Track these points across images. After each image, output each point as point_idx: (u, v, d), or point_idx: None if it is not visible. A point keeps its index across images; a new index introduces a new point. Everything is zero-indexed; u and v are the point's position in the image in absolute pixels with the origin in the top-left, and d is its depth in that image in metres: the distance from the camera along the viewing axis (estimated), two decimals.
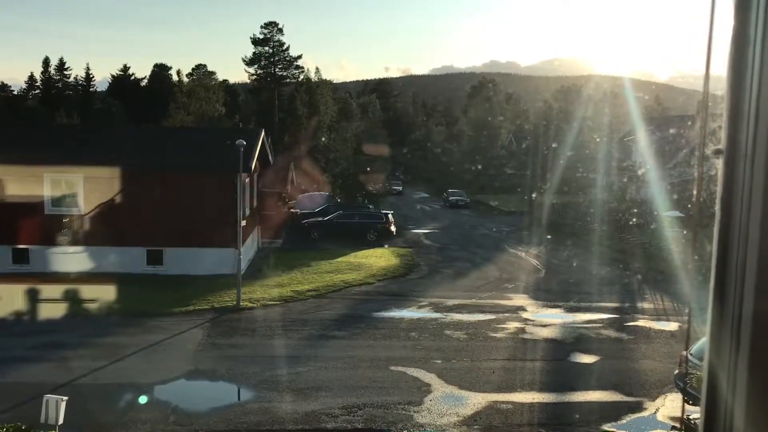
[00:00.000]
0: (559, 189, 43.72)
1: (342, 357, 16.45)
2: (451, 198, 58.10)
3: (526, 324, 20.07)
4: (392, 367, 15.69)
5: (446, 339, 18.21)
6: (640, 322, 20.77)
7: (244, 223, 23.51)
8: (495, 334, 18.81)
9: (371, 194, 44.57)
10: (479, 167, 61.24)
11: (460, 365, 16.06)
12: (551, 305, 22.70)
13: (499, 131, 65.48)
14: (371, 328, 19.03)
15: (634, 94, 50.64)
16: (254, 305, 21.20)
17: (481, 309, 21.73)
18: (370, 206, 42.16)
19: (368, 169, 45.34)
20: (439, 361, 16.24)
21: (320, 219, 37.10)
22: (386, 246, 34.69)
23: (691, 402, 12.54)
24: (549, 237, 35.48)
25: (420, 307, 21.88)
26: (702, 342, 13.41)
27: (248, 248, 28.29)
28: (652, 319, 21.09)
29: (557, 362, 16.84)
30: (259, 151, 27.65)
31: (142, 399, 13.36)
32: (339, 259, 29.73)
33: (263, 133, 29.36)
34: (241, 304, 21.02)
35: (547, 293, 24.80)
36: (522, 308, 22.11)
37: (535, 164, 51.74)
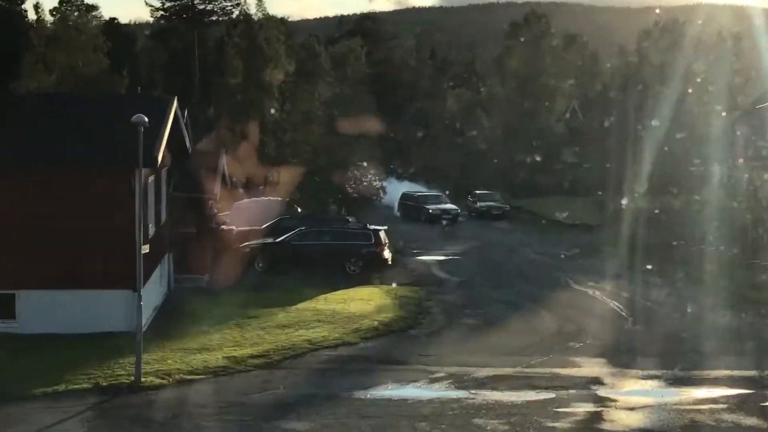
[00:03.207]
0: (655, 190, 43.81)
1: None
2: (479, 204, 58.25)
3: (605, 406, 19.93)
4: None
5: None
6: None
7: (146, 249, 23.31)
8: (555, 424, 18.65)
9: (352, 199, 44.51)
10: (524, 156, 61.37)
11: None
12: (644, 376, 22.57)
13: (554, 97, 65.67)
14: (353, 417, 18.83)
15: None
16: (164, 381, 21.00)
17: (530, 383, 21.58)
18: (350, 218, 42.13)
19: (347, 158, 45.31)
20: None
21: (271, 241, 37.04)
22: (377, 282, 34.57)
23: None
24: (640, 265, 35.49)
25: (433, 380, 21.71)
26: None
27: (153, 289, 28.18)
28: None
29: None
30: (171, 132, 27.55)
31: None
32: (301, 305, 29.60)
33: (176, 104, 29.25)
34: (143, 380, 20.80)
35: (638, 356, 24.65)
36: (597, 381, 21.97)
37: (617, 150, 51.84)
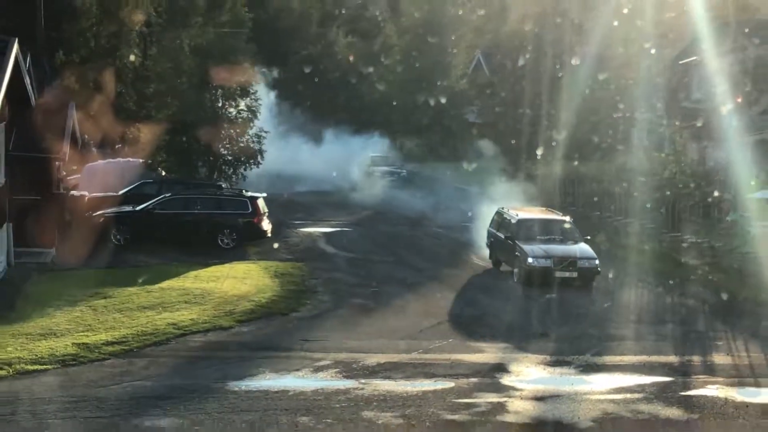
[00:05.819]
0: (567, 155, 44.77)
1: None
2: (374, 168, 58.56)
3: (509, 396, 20.36)
4: None
5: (365, 427, 18.24)
6: (710, 390, 21.48)
7: None
8: (453, 416, 18.99)
9: (225, 161, 44.21)
10: (422, 119, 61.92)
11: None
12: (553, 362, 23.12)
13: (456, 47, 66.29)
14: (226, 412, 18.85)
15: None
16: (3, 372, 20.68)
17: (427, 371, 21.89)
18: (223, 184, 41.89)
19: (221, 114, 44.88)
20: None
21: (130, 209, 36.65)
22: (255, 257, 34.57)
23: None
24: None
25: (317, 369, 21.87)
26: None
27: None
28: (730, 384, 21.86)
29: None
30: (10, 81, 26.96)
31: None
32: (166, 284, 29.48)
33: (17, 48, 28.60)
34: None
35: (545, 340, 25.35)
36: (501, 368, 22.43)
37: (525, 108, 52.75)
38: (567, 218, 34.17)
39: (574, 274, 31.05)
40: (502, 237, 33.13)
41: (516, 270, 31.78)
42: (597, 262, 31.14)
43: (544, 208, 36.55)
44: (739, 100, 41.49)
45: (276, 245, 37.19)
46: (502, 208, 34.93)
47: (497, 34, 71.35)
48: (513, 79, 59.99)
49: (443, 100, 60.46)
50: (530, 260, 30.69)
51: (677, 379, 22.09)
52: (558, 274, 30.66)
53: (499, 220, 34.27)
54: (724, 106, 41.44)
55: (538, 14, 63.36)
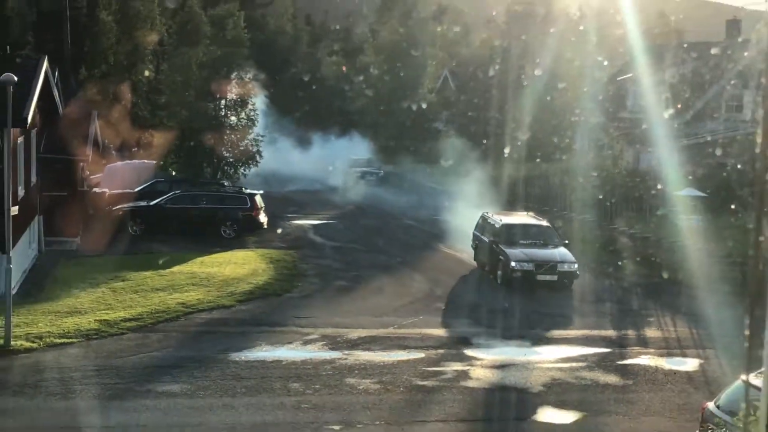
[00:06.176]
0: (521, 158, 45.00)
1: (181, 425, 16.28)
2: (354, 169, 58.50)
3: (471, 365, 20.60)
4: None
5: (348, 392, 18.41)
6: (642, 359, 21.77)
7: (15, 210, 22.73)
8: (423, 382, 19.17)
9: (227, 163, 44.11)
10: (398, 128, 62.00)
11: None
12: (509, 335, 23.35)
13: (425, 66, 66.33)
14: (228, 378, 18.95)
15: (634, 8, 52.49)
16: (35, 345, 20.66)
17: (402, 343, 22.11)
18: (226, 183, 41.83)
19: (223, 122, 44.77)
20: (336, 427, 16.41)
21: (144, 204, 36.58)
22: (252, 246, 34.54)
23: None
24: None
25: (307, 342, 22.00)
26: (734, 389, 14.21)
27: (23, 252, 27.52)
28: (660, 355, 22.16)
29: (519, 423, 17.35)
30: (41, 93, 26.82)
31: None
32: (175, 269, 29.39)
33: (46, 64, 28.46)
34: (13, 343, 20.45)
35: (503, 317, 25.55)
36: (465, 341, 22.66)
37: (485, 118, 52.90)
38: (548, 223, 31.77)
39: (555, 278, 28.61)
40: (487, 241, 30.57)
41: (499, 273, 29.15)
42: (576, 266, 28.79)
43: (525, 213, 33.87)
44: (669, 110, 41.79)
45: (279, 231, 37.40)
46: (487, 213, 32.43)
47: (461, 56, 71.69)
48: (475, 94, 60.17)
49: (414, 108, 60.69)
50: (513, 264, 28.29)
51: (615, 350, 22.33)
52: (539, 277, 28.40)
53: (484, 224, 31.71)
54: (655, 116, 41.81)
55: (496, 37, 63.65)
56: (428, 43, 67.72)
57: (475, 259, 32.19)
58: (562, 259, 28.82)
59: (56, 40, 54.20)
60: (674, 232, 32.99)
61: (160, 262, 30.08)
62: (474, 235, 32.39)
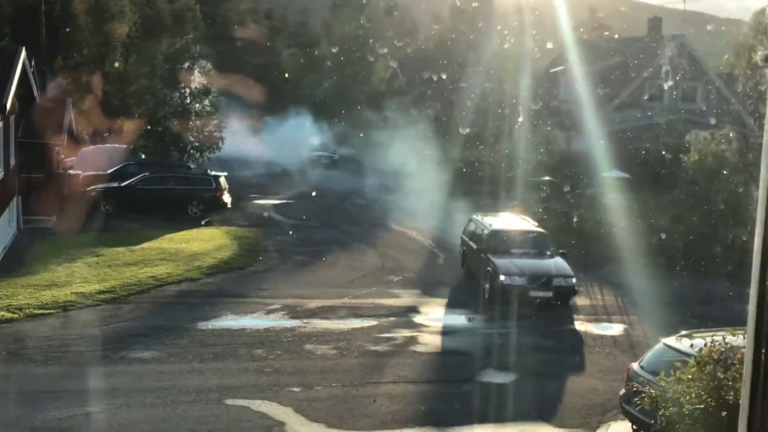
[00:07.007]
0: (465, 143, 45.21)
1: (153, 389, 16.20)
2: (311, 153, 58.42)
3: (420, 331, 20.75)
4: (228, 401, 15.70)
5: (307, 357, 18.45)
6: (573, 325, 22.10)
7: None
8: (376, 348, 19.30)
9: (193, 147, 43.77)
10: (354, 114, 61.84)
11: (326, 393, 16.35)
12: (451, 304, 23.71)
13: (376, 59, 66.27)
14: (196, 345, 18.89)
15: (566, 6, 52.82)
16: (15, 316, 20.40)
17: (356, 312, 22.23)
18: (192, 165, 41.54)
19: (188, 110, 44.34)
20: (296, 389, 16.43)
21: (116, 185, 36.22)
22: (217, 224, 34.41)
23: (641, 430, 13.57)
24: (450, 208, 36.48)
25: (269, 312, 22.00)
26: (656, 351, 14.51)
27: (3, 230, 27.15)
28: (589, 321, 22.53)
29: (463, 384, 17.54)
30: (19, 81, 26.37)
31: None
32: (146, 245, 29.19)
33: (24, 54, 27.96)
34: None
35: (448, 287, 25.71)
36: (413, 309, 22.81)
37: (431, 106, 53.00)
38: (542, 230, 26.23)
39: (549, 294, 23.10)
40: (474, 247, 25.57)
41: (486, 286, 23.80)
42: (574, 280, 23.21)
43: (518, 216, 28.11)
44: (596, 100, 42.28)
45: (234, 213, 37.14)
46: (476, 216, 27.37)
47: (410, 49, 71.60)
48: (422, 85, 60.20)
49: (363, 98, 60.79)
50: (502, 277, 22.91)
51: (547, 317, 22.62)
52: (532, 293, 22.96)
53: (472, 228, 26.63)
54: (584, 105, 42.30)
55: (440, 33, 63.75)
56: (379, 36, 67.72)
57: (462, 266, 27.49)
58: (558, 272, 23.37)
59: (32, 33, 53.18)
60: (601, 210, 33.46)
61: (128, 241, 29.69)
62: (462, 239, 27.57)
